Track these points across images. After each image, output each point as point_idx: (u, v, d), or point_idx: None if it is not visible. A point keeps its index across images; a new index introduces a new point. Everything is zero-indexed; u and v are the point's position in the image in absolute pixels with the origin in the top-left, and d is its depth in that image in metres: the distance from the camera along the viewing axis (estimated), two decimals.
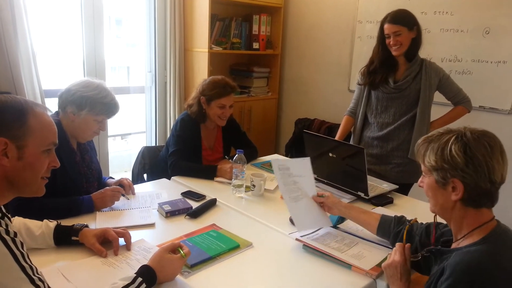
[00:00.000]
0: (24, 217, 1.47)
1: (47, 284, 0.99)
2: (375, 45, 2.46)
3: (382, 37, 2.38)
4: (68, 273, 1.29)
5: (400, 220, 1.55)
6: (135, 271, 1.20)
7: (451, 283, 1.06)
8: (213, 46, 3.69)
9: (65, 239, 1.45)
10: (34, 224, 1.44)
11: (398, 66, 2.42)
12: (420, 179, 1.25)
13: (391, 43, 2.33)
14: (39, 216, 1.50)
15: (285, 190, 1.69)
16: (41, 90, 2.95)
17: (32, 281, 0.95)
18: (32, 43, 2.85)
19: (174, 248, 1.31)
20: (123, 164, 4.35)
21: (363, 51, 3.62)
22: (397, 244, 1.34)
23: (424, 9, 3.20)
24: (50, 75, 3.24)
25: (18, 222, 1.42)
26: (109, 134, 3.66)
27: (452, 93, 2.44)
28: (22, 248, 0.97)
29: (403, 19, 2.31)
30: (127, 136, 5.41)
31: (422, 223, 1.48)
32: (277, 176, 1.70)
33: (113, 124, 3.82)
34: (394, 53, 2.36)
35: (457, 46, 3.11)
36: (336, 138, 2.66)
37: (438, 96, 2.48)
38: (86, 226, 1.50)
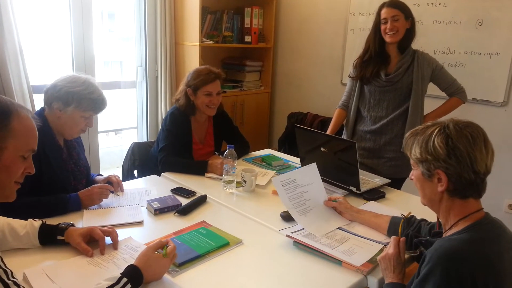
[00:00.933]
0: (9, 216, 1.44)
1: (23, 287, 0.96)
2: (370, 34, 2.42)
3: (378, 24, 2.35)
4: (53, 274, 1.26)
5: (410, 221, 1.54)
6: (122, 271, 1.18)
7: (429, 268, 1.07)
8: (204, 39, 3.65)
9: (50, 238, 1.41)
10: (18, 224, 1.41)
11: (390, 59, 2.40)
12: (411, 172, 1.27)
13: (387, 27, 2.30)
14: (24, 214, 1.47)
15: (291, 206, 1.68)
16: (29, 86, 2.90)
17: (6, 286, 0.91)
18: (19, 38, 2.80)
19: (161, 247, 1.28)
20: (115, 160, 4.30)
21: (356, 44, 3.59)
22: (392, 237, 1.37)
23: (417, 0, 3.17)
24: (38, 71, 3.18)
25: (1, 222, 1.39)
26: (100, 129, 3.61)
27: (446, 84, 2.41)
28: None
29: (401, 5, 2.31)
30: (120, 132, 5.36)
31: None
32: (281, 194, 1.67)
33: (104, 120, 3.78)
34: (388, 39, 2.32)
35: (450, 38, 3.09)
36: (328, 131, 2.64)
37: (431, 89, 2.46)
38: (72, 225, 1.47)
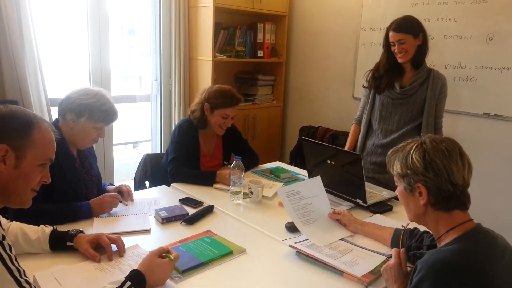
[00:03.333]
0: (23, 221, 1.50)
1: (34, 287, 1.01)
2: (382, 52, 2.46)
3: (387, 44, 2.38)
4: (61, 277, 1.30)
5: (412, 233, 1.56)
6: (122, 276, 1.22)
7: (419, 279, 1.09)
8: (217, 54, 3.73)
9: (60, 244, 1.47)
10: (30, 229, 1.47)
11: (405, 73, 2.41)
12: (396, 189, 1.32)
13: (395, 50, 2.33)
14: (37, 221, 1.52)
15: (296, 216, 1.72)
16: (47, 99, 3.01)
17: (18, 283, 0.96)
18: (39, 53, 2.91)
19: (162, 253, 1.32)
20: (130, 172, 4.38)
21: (368, 59, 3.62)
22: (394, 249, 1.39)
23: (428, 16, 3.19)
24: (56, 84, 3.30)
25: (15, 227, 1.45)
26: (116, 142, 3.69)
27: (439, 114, 2.42)
28: (10, 251, 0.99)
29: (407, 27, 2.30)
30: (139, 144, 5.45)
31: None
32: (285, 204, 1.72)
33: (120, 133, 3.87)
34: (399, 60, 2.35)
35: (460, 53, 3.10)
36: (346, 147, 2.68)
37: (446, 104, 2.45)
38: (81, 231, 1.52)
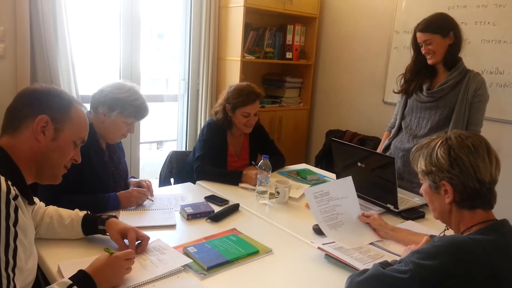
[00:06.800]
0: None
1: (14, 284, 0.95)
2: (412, 53, 2.35)
3: (416, 44, 2.27)
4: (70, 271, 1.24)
5: None
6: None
7: (433, 246, 1.05)
8: (246, 55, 3.71)
9: (92, 227, 1.48)
10: (66, 213, 1.50)
11: (437, 74, 2.27)
12: (421, 187, 1.28)
13: (423, 51, 2.21)
14: None
15: (322, 219, 1.66)
16: (78, 95, 3.05)
17: None
18: (72, 51, 2.96)
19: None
20: (154, 171, 4.41)
21: (400, 62, 3.51)
22: (426, 237, 1.41)
23: (465, 19, 3.08)
24: (87, 83, 3.34)
25: (52, 209, 1.49)
26: (142, 140, 3.71)
27: (475, 120, 2.20)
28: (15, 241, 0.96)
29: (434, 27, 2.16)
30: (164, 144, 5.48)
31: None
32: (312, 206, 1.66)
33: (147, 131, 3.89)
34: (429, 62, 2.22)
35: (499, 58, 2.97)
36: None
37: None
38: (115, 216, 1.52)
